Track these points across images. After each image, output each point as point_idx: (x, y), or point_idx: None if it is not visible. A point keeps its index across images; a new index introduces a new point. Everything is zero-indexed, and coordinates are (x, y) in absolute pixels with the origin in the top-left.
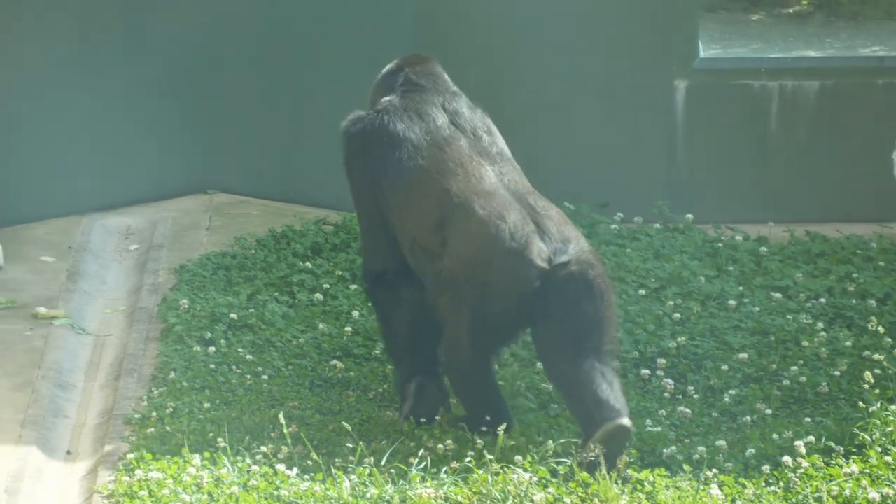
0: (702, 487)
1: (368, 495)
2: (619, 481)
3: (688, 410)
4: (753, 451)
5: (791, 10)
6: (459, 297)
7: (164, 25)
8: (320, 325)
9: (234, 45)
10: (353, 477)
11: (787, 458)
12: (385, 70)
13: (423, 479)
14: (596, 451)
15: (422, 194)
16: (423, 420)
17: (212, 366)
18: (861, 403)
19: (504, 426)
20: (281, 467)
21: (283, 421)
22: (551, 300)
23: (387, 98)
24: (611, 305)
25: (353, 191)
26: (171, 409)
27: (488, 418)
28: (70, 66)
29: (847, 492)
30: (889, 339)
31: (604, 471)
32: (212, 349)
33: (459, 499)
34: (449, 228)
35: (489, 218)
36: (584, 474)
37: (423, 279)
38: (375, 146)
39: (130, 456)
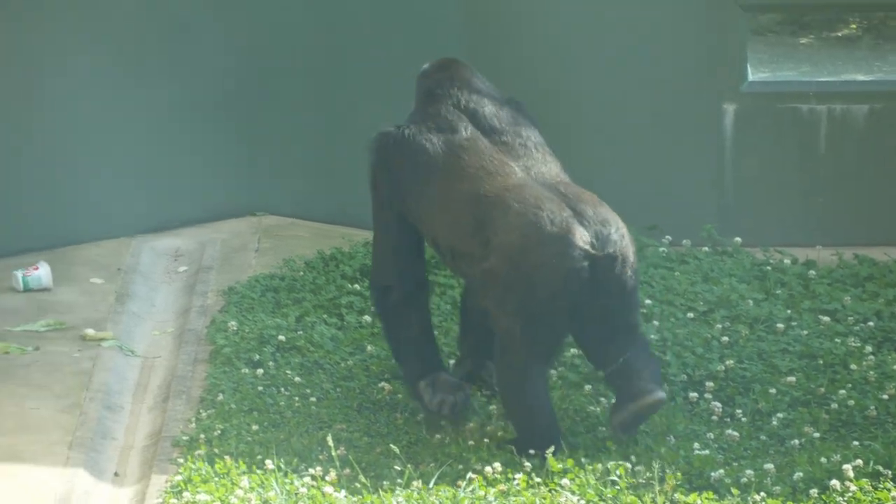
0: None
1: None
2: None
3: (735, 434)
4: (801, 474)
5: (839, 34)
6: (507, 291)
7: (213, 48)
8: (368, 348)
9: (282, 66)
10: (400, 500)
11: (834, 482)
12: (417, 77)
13: (472, 502)
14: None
15: (451, 203)
16: (448, 405)
17: (260, 388)
18: None
19: (552, 448)
20: (329, 490)
21: (331, 443)
22: (595, 281)
23: (413, 111)
24: (637, 285)
25: (373, 204)
26: (219, 432)
27: (537, 438)
28: (118, 89)
29: None
30: None
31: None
32: (260, 371)
33: None
34: (489, 228)
35: (526, 209)
36: (632, 497)
37: (468, 283)
38: (398, 163)
39: (178, 478)
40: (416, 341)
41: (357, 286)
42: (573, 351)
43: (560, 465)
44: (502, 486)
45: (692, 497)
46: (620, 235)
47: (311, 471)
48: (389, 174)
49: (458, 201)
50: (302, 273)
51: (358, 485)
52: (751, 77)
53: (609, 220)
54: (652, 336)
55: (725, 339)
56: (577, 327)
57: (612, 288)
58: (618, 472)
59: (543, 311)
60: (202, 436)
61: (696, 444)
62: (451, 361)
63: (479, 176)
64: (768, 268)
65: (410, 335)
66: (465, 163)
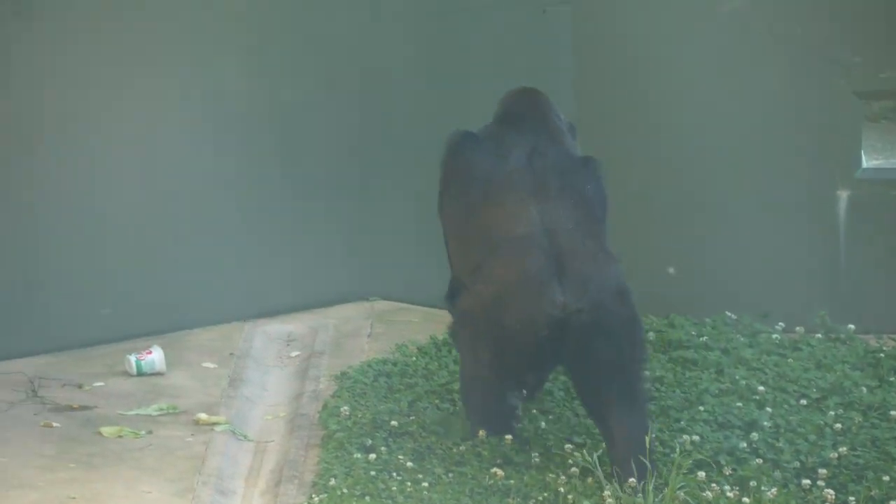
0: None
1: None
2: None
3: None
4: None
5: None
6: (476, 337)
7: (325, 129)
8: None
9: (393, 151)
10: None
11: None
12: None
13: None
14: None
15: (467, 231)
16: None
17: (372, 472)
18: None
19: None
20: None
21: None
22: (570, 344)
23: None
24: (635, 347)
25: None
26: None
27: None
28: (231, 173)
29: None
30: None
31: None
32: (372, 456)
33: None
34: (483, 271)
35: (511, 263)
36: None
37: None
38: (449, 164)
39: None
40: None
41: None
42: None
43: None
44: None
45: None
46: (602, 293)
47: None
48: (443, 171)
49: (472, 233)
50: (414, 358)
51: None
52: (865, 164)
53: (593, 277)
54: (765, 423)
55: (838, 426)
56: (569, 374)
57: (585, 351)
58: None
59: (511, 360)
60: None
61: None
62: None
63: (497, 215)
64: (882, 355)
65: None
66: (492, 195)
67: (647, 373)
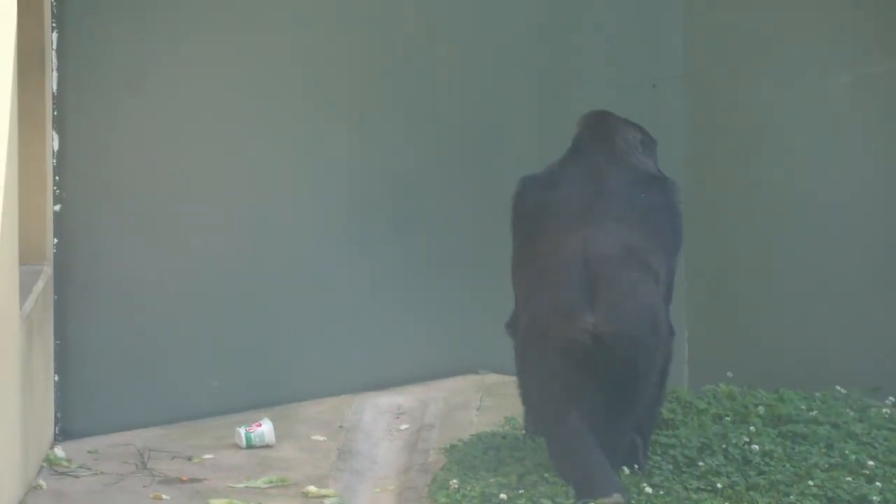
0: None
1: None
2: None
3: None
4: None
5: None
6: (521, 362)
7: (436, 200)
8: None
9: (504, 224)
10: None
11: None
12: None
13: None
14: None
15: (523, 265)
16: None
17: None
18: None
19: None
20: None
21: None
22: (595, 368)
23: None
24: (647, 375)
25: None
26: None
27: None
28: (340, 245)
29: None
30: None
31: None
32: None
33: None
34: (528, 304)
35: (546, 295)
36: None
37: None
38: (513, 212)
39: None
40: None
41: None
42: None
43: None
44: None
45: None
46: (627, 318)
47: None
48: (511, 218)
49: (527, 264)
50: (524, 431)
51: None
52: None
53: (622, 309)
54: (875, 497)
55: None
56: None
57: (604, 376)
58: None
59: (546, 387)
60: None
61: None
62: None
63: (544, 243)
64: None
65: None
66: (543, 224)
67: (658, 408)
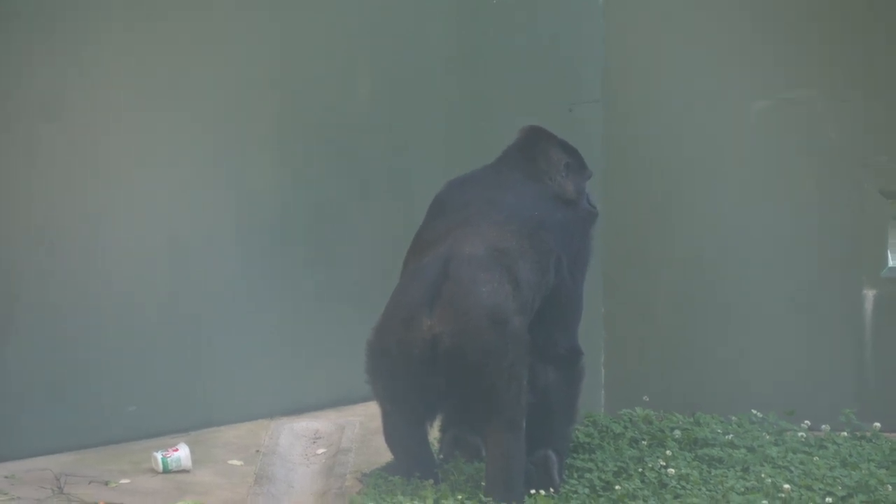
0: None
1: None
2: None
3: None
4: None
5: None
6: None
7: (352, 232)
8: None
9: None
10: None
11: None
12: None
13: None
14: None
15: (403, 270)
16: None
17: None
18: None
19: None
20: None
21: None
22: (440, 370)
23: None
24: (499, 374)
25: None
26: None
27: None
28: (261, 277)
29: None
30: None
31: None
32: None
33: None
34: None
35: (398, 291)
36: None
37: None
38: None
39: None
40: None
41: None
42: None
43: None
44: None
45: None
46: (461, 315)
47: None
48: None
49: (405, 265)
50: (441, 456)
51: None
52: (891, 263)
53: (466, 309)
54: None
55: None
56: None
57: (450, 378)
58: None
59: (394, 386)
60: None
61: None
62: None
63: (422, 245)
64: None
65: None
66: (431, 227)
67: (520, 401)
